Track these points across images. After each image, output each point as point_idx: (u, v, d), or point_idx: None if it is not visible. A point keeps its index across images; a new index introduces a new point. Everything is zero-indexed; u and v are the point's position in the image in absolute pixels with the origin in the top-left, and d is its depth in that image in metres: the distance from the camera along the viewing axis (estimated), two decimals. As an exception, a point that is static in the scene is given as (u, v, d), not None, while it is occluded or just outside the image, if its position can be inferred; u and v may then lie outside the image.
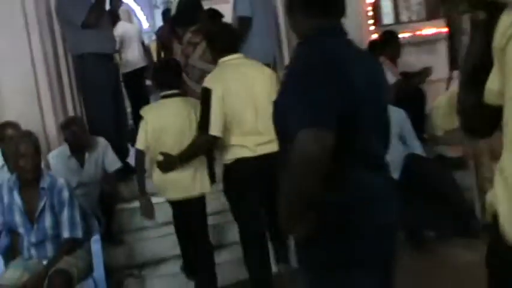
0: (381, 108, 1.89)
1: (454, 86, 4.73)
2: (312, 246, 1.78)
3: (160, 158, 3.57)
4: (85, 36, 4.49)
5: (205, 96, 3.35)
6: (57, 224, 3.38)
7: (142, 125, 3.69)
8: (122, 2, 4.63)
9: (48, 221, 3.37)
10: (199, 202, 3.69)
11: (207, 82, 3.41)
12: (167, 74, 3.78)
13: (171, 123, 3.64)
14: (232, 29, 3.85)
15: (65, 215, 3.37)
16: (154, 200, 4.39)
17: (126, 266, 4.17)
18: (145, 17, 12.63)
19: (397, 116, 4.55)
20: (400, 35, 6.38)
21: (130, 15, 12.59)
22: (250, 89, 3.38)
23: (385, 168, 1.90)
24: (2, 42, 4.41)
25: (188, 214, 3.71)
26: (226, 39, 3.54)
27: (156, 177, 3.70)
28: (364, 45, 5.72)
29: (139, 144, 3.68)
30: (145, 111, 3.79)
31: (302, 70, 1.72)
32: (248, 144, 3.31)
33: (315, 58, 1.73)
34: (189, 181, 3.61)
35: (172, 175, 3.57)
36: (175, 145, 3.59)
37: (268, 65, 4.07)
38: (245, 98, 3.37)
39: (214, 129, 3.31)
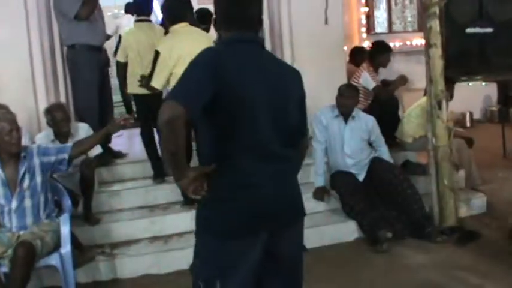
0: (282, 110, 2.07)
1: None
2: (199, 209, 2.11)
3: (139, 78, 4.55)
4: (77, 28, 4.58)
5: (155, 56, 4.20)
6: (34, 185, 3.50)
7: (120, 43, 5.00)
8: None
9: (26, 182, 3.49)
10: (158, 96, 4.45)
11: (158, 46, 4.23)
12: (140, 4, 4.88)
13: (137, 40, 4.75)
14: (183, 1, 4.35)
15: (53, 148, 3.60)
16: (130, 184, 4.68)
17: (100, 244, 4.23)
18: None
19: (367, 123, 4.62)
20: (391, 44, 6.37)
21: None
22: (192, 50, 3.82)
23: (281, 161, 2.06)
24: (1, 31, 4.51)
25: (149, 106, 4.55)
26: (176, 10, 4.25)
27: (129, 84, 4.81)
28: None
29: (118, 57, 4.96)
30: (124, 32, 5.26)
31: (191, 61, 2.00)
32: None
33: (201, 55, 2.01)
34: None
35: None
36: (137, 58, 4.68)
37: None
38: (186, 57, 3.78)
39: (155, 83, 4.19)
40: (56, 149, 3.64)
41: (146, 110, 4.66)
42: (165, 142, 1.89)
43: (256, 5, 2.15)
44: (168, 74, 4.11)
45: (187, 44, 3.96)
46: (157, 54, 4.16)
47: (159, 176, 4.76)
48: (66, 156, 3.57)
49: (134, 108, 4.79)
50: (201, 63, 1.97)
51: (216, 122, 1.96)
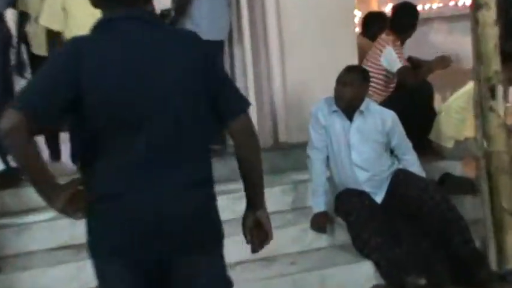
0: (186, 97, 2.05)
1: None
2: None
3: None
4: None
5: None
6: None
7: None
8: None
9: None
10: None
11: None
12: None
13: None
14: None
15: None
16: (46, 215, 4.13)
17: (0, 305, 3.65)
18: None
19: (384, 120, 4.10)
20: (427, 6, 6.31)
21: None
22: None
23: (180, 170, 2.05)
24: None
25: None
26: None
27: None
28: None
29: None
30: None
31: (48, 57, 2.43)
32: None
33: (61, 50, 2.26)
34: None
35: None
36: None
37: (220, 42, 4.63)
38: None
39: (43, 20, 4.33)
40: None
41: None
42: (13, 157, 1.94)
43: None
44: (58, 9, 4.20)
45: None
46: None
47: None
48: None
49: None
50: (58, 60, 2.03)
51: (82, 125, 1.98)
